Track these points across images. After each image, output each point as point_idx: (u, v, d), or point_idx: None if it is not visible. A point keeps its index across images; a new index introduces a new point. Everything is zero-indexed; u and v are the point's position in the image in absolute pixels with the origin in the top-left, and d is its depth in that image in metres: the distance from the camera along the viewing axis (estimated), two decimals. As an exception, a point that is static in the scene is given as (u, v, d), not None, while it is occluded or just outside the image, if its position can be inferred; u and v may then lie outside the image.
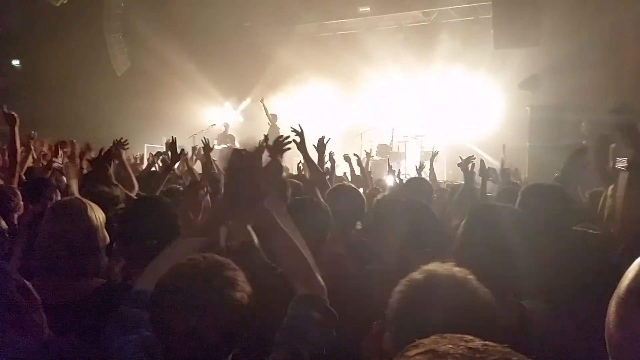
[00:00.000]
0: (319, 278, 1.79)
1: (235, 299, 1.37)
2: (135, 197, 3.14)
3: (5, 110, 4.30)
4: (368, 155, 7.36)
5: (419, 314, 1.31)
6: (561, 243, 2.36)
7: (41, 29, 13.09)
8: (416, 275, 1.41)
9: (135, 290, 1.68)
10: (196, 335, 1.33)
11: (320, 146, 4.20)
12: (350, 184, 3.59)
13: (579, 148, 3.45)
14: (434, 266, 1.44)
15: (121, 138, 4.49)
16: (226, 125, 14.61)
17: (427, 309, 1.30)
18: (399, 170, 11.82)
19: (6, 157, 4.77)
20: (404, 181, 5.72)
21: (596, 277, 2.18)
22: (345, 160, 6.86)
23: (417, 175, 6.07)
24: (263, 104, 13.88)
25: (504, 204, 3.13)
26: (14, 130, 4.28)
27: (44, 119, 12.24)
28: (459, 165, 4.71)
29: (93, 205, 2.09)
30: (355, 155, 7.07)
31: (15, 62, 14.36)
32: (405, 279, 1.43)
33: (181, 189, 3.85)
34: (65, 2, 12.03)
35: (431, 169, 6.58)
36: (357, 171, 6.69)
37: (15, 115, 4.28)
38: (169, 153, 4.92)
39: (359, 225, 3.32)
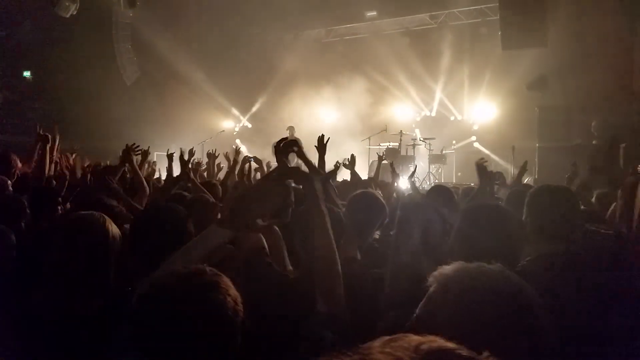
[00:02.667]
0: (342, 295, 1.76)
1: (218, 303, 1.32)
2: (145, 207, 3.15)
3: (40, 131, 4.70)
4: (380, 158, 7.28)
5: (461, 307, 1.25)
6: (571, 244, 2.35)
7: (51, 40, 13.22)
8: (449, 272, 1.34)
9: None
10: (180, 345, 1.27)
11: (321, 146, 4.05)
12: (374, 192, 3.54)
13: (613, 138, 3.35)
14: (463, 264, 1.37)
15: (133, 144, 4.56)
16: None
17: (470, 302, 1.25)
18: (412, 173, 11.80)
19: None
20: (416, 186, 5.66)
21: (608, 278, 2.17)
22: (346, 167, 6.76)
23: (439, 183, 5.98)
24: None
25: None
26: (44, 149, 4.65)
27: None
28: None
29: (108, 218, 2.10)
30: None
31: (27, 74, 14.51)
32: (438, 277, 1.34)
33: (185, 193, 3.83)
34: (74, 13, 12.16)
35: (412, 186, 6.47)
36: (363, 176, 6.65)
37: (49, 136, 4.66)
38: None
39: (377, 235, 3.25)
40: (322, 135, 4.06)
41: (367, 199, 3.19)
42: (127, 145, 4.55)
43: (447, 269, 1.34)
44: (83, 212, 2.15)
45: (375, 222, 3.16)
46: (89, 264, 1.96)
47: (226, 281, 1.38)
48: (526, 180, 7.99)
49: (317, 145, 4.03)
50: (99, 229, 2.01)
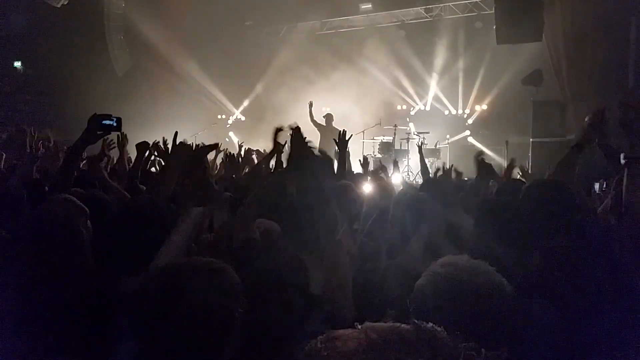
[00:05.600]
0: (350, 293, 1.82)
1: (220, 299, 1.33)
2: (124, 202, 3.09)
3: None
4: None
5: (445, 306, 1.33)
6: (564, 239, 2.33)
7: (42, 31, 13.06)
8: (437, 268, 1.43)
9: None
10: (181, 339, 1.27)
11: (342, 142, 4.11)
12: (350, 183, 3.54)
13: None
14: (451, 259, 1.46)
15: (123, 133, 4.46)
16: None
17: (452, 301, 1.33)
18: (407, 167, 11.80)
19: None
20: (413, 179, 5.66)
21: (599, 274, 2.16)
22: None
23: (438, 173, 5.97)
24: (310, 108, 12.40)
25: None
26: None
27: (47, 121, 12.24)
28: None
29: (77, 204, 2.07)
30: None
31: (17, 64, 14.34)
32: (427, 272, 1.44)
33: None
34: (65, 3, 12.01)
35: (421, 161, 6.51)
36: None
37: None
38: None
39: (356, 226, 3.28)
40: (345, 132, 4.13)
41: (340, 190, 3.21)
42: (118, 136, 4.48)
43: (436, 264, 1.43)
44: (46, 204, 2.12)
45: (355, 214, 3.18)
46: (57, 253, 1.93)
47: (231, 271, 1.41)
48: (518, 175, 7.94)
49: (337, 141, 4.08)
50: (64, 220, 1.98)
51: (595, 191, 5.51)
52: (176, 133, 3.27)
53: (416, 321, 0.82)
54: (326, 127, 12.09)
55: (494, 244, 2.04)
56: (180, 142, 3.18)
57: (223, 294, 1.34)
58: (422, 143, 7.05)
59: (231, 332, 1.35)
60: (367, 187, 4.38)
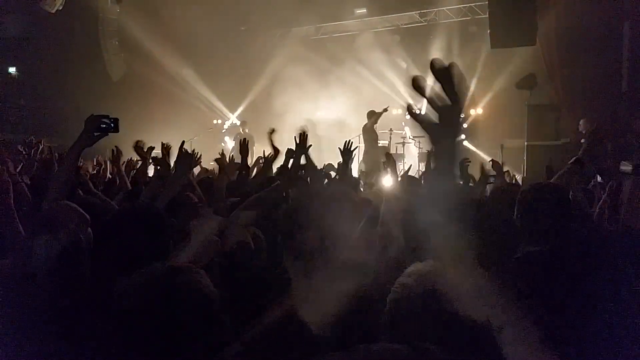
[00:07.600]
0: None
1: (195, 301, 1.35)
2: (119, 208, 3.08)
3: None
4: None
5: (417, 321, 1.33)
6: (559, 242, 2.33)
7: (37, 36, 13.03)
8: (405, 279, 1.43)
9: None
10: (159, 343, 1.30)
11: (346, 152, 4.18)
12: (346, 189, 3.55)
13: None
14: (415, 267, 1.47)
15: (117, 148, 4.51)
16: (243, 124, 14.18)
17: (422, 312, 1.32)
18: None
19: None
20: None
21: (591, 277, 2.16)
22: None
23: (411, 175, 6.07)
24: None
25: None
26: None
27: (42, 126, 12.21)
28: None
29: (78, 211, 2.06)
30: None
31: (12, 69, 14.29)
32: (395, 286, 1.44)
33: None
34: (60, 8, 11.98)
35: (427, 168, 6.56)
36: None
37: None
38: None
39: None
40: (351, 142, 4.29)
41: (336, 196, 3.22)
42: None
43: (402, 276, 1.45)
44: (50, 208, 2.12)
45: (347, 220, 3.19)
46: (64, 257, 1.94)
47: (205, 281, 1.42)
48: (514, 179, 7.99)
49: (342, 150, 4.22)
50: (69, 225, 1.99)
51: (597, 180, 5.57)
52: (183, 142, 3.34)
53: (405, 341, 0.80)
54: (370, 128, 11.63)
55: (482, 249, 2.04)
56: (186, 151, 3.22)
57: (201, 297, 1.36)
58: (428, 155, 7.15)
59: (210, 335, 1.37)
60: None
